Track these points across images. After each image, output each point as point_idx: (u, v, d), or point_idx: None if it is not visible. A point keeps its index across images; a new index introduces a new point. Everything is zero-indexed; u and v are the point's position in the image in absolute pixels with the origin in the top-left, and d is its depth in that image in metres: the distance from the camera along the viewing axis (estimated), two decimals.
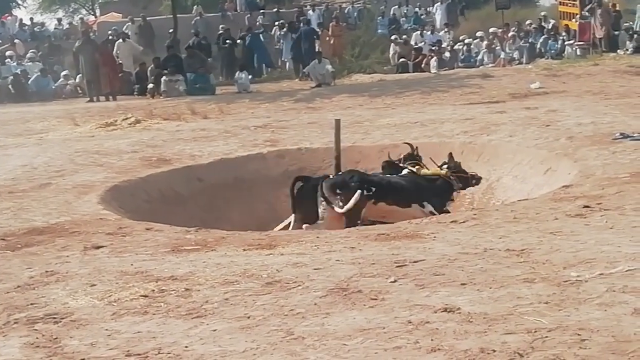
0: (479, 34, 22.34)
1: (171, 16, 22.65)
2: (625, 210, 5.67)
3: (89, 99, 18.84)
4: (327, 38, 22.48)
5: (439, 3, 25.49)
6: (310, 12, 24.91)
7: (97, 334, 3.84)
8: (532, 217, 5.76)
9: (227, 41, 21.84)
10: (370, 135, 10.50)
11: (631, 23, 20.94)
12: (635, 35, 20.11)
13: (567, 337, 3.36)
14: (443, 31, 23.32)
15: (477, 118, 10.94)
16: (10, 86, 20.34)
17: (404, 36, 22.58)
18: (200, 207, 8.79)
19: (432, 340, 3.44)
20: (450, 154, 8.21)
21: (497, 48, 21.28)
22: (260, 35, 22.90)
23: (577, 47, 20.70)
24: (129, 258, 5.36)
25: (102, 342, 3.73)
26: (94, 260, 5.34)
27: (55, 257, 5.50)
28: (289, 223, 7.67)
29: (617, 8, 22.02)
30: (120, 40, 21.61)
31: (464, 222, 5.86)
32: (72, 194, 7.91)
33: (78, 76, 20.37)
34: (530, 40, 21.72)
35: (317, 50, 20.19)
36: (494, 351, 3.26)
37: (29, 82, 20.63)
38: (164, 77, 18.28)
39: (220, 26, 22.98)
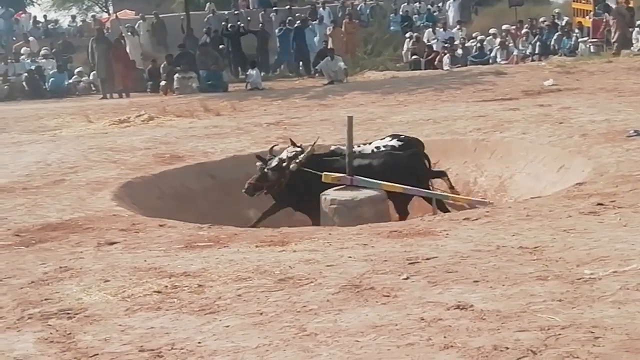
0: (492, 30, 22.25)
1: (184, 13, 22.68)
2: (639, 207, 5.64)
3: (102, 95, 18.94)
4: (341, 35, 22.47)
5: (452, 0, 25.39)
6: (322, 9, 24.87)
7: (111, 330, 3.86)
8: (545, 215, 5.74)
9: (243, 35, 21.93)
10: (382, 133, 10.45)
11: None
12: None
13: (581, 335, 3.35)
14: (456, 28, 23.23)
15: (490, 115, 10.90)
16: (24, 83, 20.46)
17: (416, 33, 22.53)
18: (213, 204, 8.81)
19: (444, 337, 3.44)
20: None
21: (510, 45, 21.19)
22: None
23: (590, 44, 20.57)
24: (142, 254, 5.38)
25: (116, 338, 3.75)
26: (107, 256, 5.36)
27: (69, 253, 5.53)
28: None
29: (631, 5, 21.85)
30: (130, 34, 21.72)
31: (476, 219, 5.85)
32: (86, 191, 7.94)
33: (92, 73, 20.47)
34: (543, 38, 21.62)
35: (329, 47, 20.30)
36: (507, 348, 3.26)
37: (48, 78, 20.75)
38: (176, 74, 18.33)
39: (228, 24, 22.99)
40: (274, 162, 8.12)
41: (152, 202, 8.21)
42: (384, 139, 8.87)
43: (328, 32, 22.48)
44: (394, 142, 8.51)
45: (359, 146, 8.54)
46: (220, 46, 21.58)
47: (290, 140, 8.83)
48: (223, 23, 22.79)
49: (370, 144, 8.72)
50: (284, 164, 8.09)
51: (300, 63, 22.41)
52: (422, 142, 8.85)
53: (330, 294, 4.16)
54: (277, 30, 22.78)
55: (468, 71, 18.03)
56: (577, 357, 3.15)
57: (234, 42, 21.91)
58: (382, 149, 8.47)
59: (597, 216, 5.54)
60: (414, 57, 21.35)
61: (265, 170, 8.14)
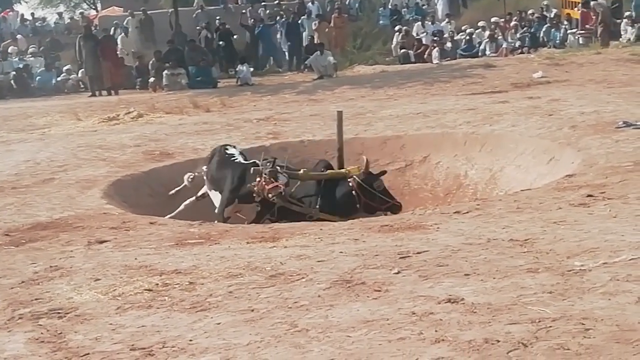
0: (481, 23, 22.28)
1: (172, 10, 22.63)
2: (629, 199, 5.66)
3: (91, 93, 18.89)
4: (327, 30, 22.45)
5: None
6: (310, 4, 24.86)
7: (102, 329, 3.85)
8: (535, 207, 5.76)
9: (234, 36, 21.90)
10: (372, 127, 10.48)
11: (632, 12, 20.78)
12: (638, 24, 19.98)
13: (571, 327, 3.36)
14: (445, 21, 23.25)
15: (480, 108, 10.92)
16: (12, 81, 20.37)
17: (405, 27, 22.54)
18: (204, 201, 8.78)
19: (436, 331, 3.44)
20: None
21: (499, 38, 21.23)
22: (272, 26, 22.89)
23: (579, 36, 20.62)
24: (133, 252, 5.37)
25: (107, 337, 3.74)
26: (97, 255, 5.35)
27: (59, 252, 5.51)
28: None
29: None
30: (123, 34, 21.68)
31: (467, 212, 5.86)
32: (76, 189, 7.91)
33: (80, 71, 20.40)
34: (532, 30, 21.66)
35: (312, 43, 20.39)
36: (498, 341, 3.26)
37: (35, 76, 20.66)
38: (166, 71, 18.29)
39: (217, 18, 22.98)
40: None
41: (142, 199, 8.20)
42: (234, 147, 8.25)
43: (314, 27, 22.46)
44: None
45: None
46: (221, 42, 21.66)
47: None
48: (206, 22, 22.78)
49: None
50: None
51: (294, 58, 22.40)
52: None
53: (322, 290, 4.15)
54: (256, 28, 22.68)
55: (457, 64, 18.07)
56: (568, 348, 3.15)
57: (225, 38, 21.90)
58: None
59: (587, 208, 5.55)
60: (402, 50, 21.35)
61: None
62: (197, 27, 22.46)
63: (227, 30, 22.12)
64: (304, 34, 22.76)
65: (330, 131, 9.59)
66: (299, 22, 22.97)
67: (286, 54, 22.69)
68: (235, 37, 22.08)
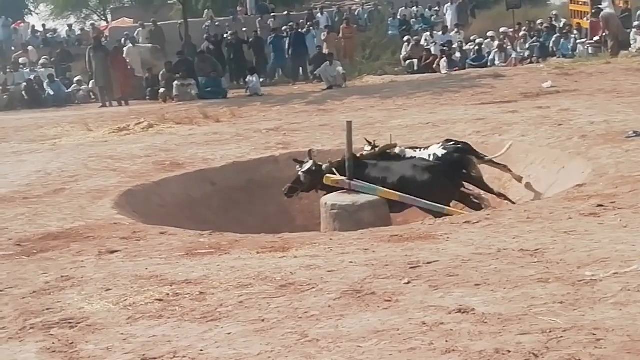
0: (490, 33, 22.29)
1: (182, 21, 22.75)
2: (639, 208, 5.64)
3: (101, 104, 18.98)
4: (336, 40, 22.51)
5: (449, 3, 25.44)
6: (319, 14, 24.93)
7: (113, 339, 3.86)
8: (545, 217, 5.75)
9: (249, 40, 21.94)
10: (382, 137, 10.46)
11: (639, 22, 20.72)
12: None
13: (582, 337, 3.35)
14: (454, 31, 23.27)
15: (489, 118, 10.92)
16: (23, 92, 20.49)
17: (415, 37, 22.58)
18: (214, 211, 8.81)
19: (446, 341, 3.44)
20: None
21: (508, 48, 21.23)
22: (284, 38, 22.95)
23: (588, 45, 20.59)
24: (144, 262, 5.39)
25: (118, 347, 3.75)
26: (108, 265, 5.37)
27: (71, 262, 5.53)
28: None
29: (629, 6, 21.85)
30: (130, 45, 21.78)
31: (477, 222, 5.85)
32: (86, 199, 7.95)
33: (91, 82, 20.51)
34: (541, 40, 21.66)
35: (328, 52, 20.35)
36: (509, 352, 3.26)
37: (46, 87, 20.78)
38: (176, 82, 18.36)
39: (229, 32, 23.04)
40: (307, 165, 8.06)
41: (152, 209, 8.22)
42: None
43: (323, 38, 22.52)
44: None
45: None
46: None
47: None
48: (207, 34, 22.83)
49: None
50: (315, 168, 8.00)
51: (301, 69, 22.42)
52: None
53: (332, 300, 4.16)
54: (268, 38, 22.71)
55: (466, 74, 18.06)
56: (579, 359, 3.15)
57: (236, 49, 21.97)
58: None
59: (597, 218, 5.54)
60: (411, 61, 21.37)
61: (299, 173, 8.10)
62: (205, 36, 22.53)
63: (238, 41, 22.17)
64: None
65: (339, 141, 9.61)
66: (305, 32, 22.96)
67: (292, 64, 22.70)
68: (251, 41, 22.11)
